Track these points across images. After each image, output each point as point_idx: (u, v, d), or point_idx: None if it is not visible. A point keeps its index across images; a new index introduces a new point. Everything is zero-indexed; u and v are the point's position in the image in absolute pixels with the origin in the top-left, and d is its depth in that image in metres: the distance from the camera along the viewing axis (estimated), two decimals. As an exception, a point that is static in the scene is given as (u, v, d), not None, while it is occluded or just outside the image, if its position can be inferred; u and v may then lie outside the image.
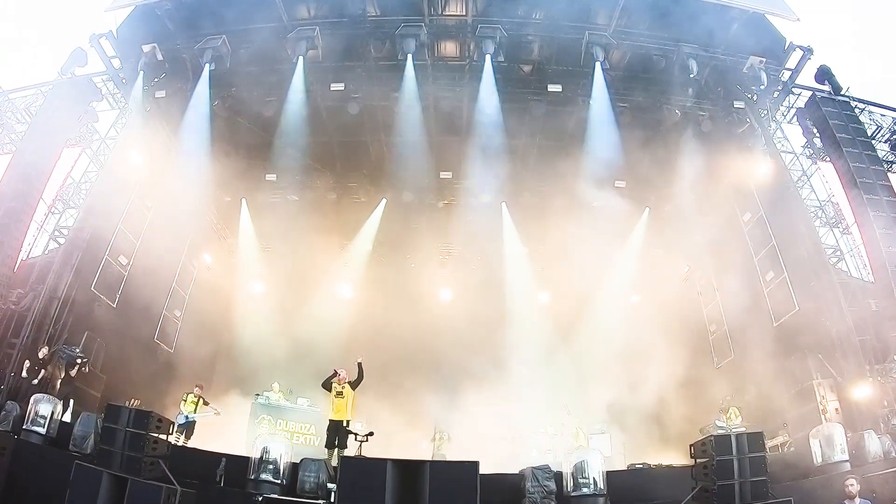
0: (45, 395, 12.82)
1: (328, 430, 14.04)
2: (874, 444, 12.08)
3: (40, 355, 15.17)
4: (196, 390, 17.23)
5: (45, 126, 18.14)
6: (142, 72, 19.33)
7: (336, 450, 13.68)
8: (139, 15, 19.17)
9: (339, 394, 14.10)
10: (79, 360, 15.88)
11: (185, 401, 16.94)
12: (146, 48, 19.12)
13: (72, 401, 14.95)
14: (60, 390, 14.95)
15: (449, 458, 16.63)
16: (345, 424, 13.86)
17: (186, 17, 19.08)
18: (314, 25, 19.08)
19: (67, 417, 13.62)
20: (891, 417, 13.88)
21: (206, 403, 17.24)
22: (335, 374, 14.44)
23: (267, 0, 18.47)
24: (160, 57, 19.40)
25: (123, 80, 19.93)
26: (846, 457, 11.80)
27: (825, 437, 12.14)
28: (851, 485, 9.46)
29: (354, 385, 14.21)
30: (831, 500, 9.82)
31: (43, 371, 15.03)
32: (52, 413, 12.40)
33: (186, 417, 16.51)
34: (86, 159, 19.76)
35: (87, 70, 19.77)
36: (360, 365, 14.32)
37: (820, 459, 12.05)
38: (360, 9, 19.11)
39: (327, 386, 14.37)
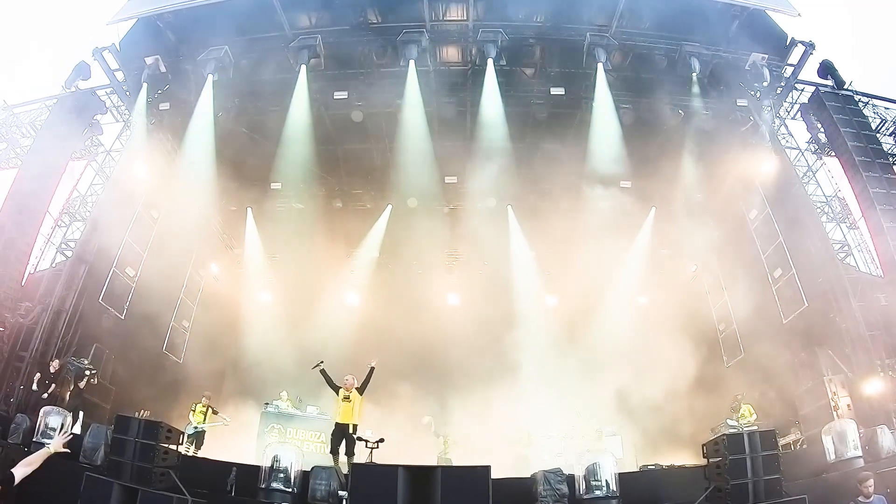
0: (55, 408, 12.84)
1: (332, 434, 13.85)
2: (887, 440, 11.97)
3: (51, 369, 15.20)
4: (204, 400, 17.25)
5: (50, 140, 18.18)
6: (145, 84, 19.46)
7: (340, 455, 13.55)
8: (141, 27, 19.30)
9: (346, 398, 13.92)
10: (87, 373, 15.92)
11: (194, 411, 16.97)
12: (149, 60, 19.21)
13: (81, 413, 14.98)
14: (69, 403, 14.96)
15: (455, 463, 16.67)
16: (351, 430, 13.68)
17: (188, 29, 19.18)
18: (316, 34, 19.15)
19: (77, 429, 13.64)
20: (903, 412, 13.80)
21: (215, 412, 17.26)
22: (318, 364, 14.32)
23: (268, 10, 18.52)
24: (163, 69, 19.49)
25: (127, 93, 20.03)
26: (859, 453, 11.75)
27: (838, 434, 12.08)
28: (869, 486, 9.28)
29: (361, 389, 14.06)
30: (845, 497, 9.71)
31: (53, 385, 15.05)
32: (62, 425, 12.38)
33: (195, 428, 16.52)
34: (91, 172, 19.87)
35: (90, 83, 19.88)
36: (371, 369, 14.17)
37: (833, 456, 11.99)
38: (362, 16, 19.18)
39: (329, 382, 14.24)
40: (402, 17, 18.95)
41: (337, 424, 13.83)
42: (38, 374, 14.97)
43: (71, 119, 18.75)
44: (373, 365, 14.16)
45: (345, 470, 12.42)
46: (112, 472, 10.30)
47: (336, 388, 14.04)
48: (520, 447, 18.83)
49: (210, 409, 17.14)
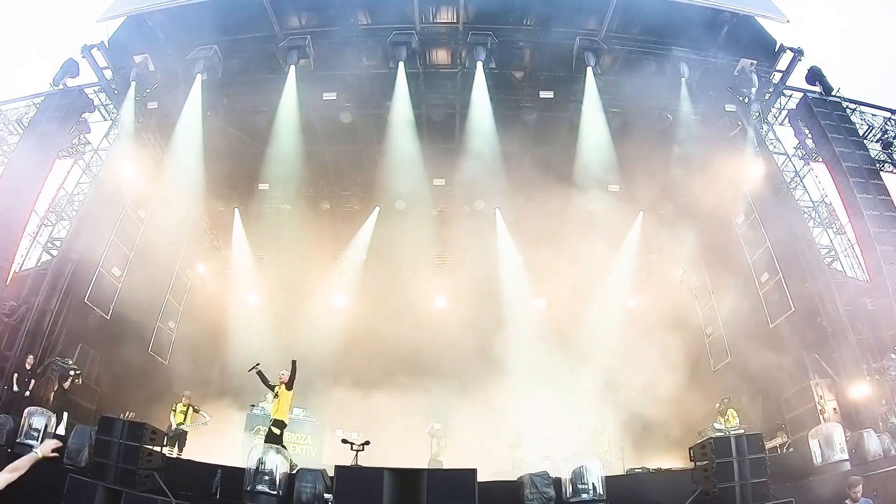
0: (39, 409, 12.70)
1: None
2: (874, 443, 12.08)
3: (27, 365, 15.06)
4: (184, 399, 17.05)
5: (37, 138, 18.04)
6: (134, 82, 19.32)
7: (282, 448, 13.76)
8: (131, 25, 19.20)
9: (276, 395, 14.19)
10: (71, 373, 15.74)
11: (175, 411, 16.77)
12: (138, 58, 19.10)
13: (66, 414, 14.82)
14: (53, 403, 14.84)
15: (446, 464, 16.65)
16: (273, 424, 13.99)
17: (178, 28, 19.03)
18: (305, 35, 19.10)
19: (61, 430, 13.53)
20: (889, 416, 13.88)
21: (196, 411, 17.09)
22: (254, 366, 14.39)
23: (258, 10, 18.47)
24: (152, 67, 19.38)
25: (115, 91, 19.91)
26: (846, 456, 11.80)
27: (824, 437, 12.13)
28: (858, 491, 9.30)
29: (289, 386, 14.14)
30: (833, 500, 9.78)
31: (33, 382, 14.92)
32: (46, 426, 12.29)
33: (174, 430, 16.32)
34: (78, 171, 19.68)
35: (78, 81, 19.74)
36: (293, 363, 14.24)
37: (820, 459, 12.04)
38: (352, 17, 19.17)
39: (265, 383, 14.39)
40: (391, 19, 18.89)
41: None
42: (16, 375, 14.83)
43: (58, 117, 18.60)
44: (294, 360, 14.31)
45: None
46: (96, 474, 10.19)
47: (272, 387, 14.30)
48: (509, 450, 18.85)
49: (191, 408, 16.97)
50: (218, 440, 17.84)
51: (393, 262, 26.24)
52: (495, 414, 20.88)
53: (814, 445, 12.26)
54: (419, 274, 26.52)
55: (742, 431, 14.59)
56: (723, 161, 20.16)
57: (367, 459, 12.59)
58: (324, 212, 24.61)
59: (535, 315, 25.05)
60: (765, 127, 20.31)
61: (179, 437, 16.30)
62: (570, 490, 11.28)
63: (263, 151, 20.80)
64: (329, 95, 20.23)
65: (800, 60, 19.21)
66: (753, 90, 19.58)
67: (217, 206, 24.16)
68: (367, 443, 12.72)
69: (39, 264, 17.92)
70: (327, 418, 20.71)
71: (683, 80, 19.33)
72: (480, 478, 10.31)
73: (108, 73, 19.81)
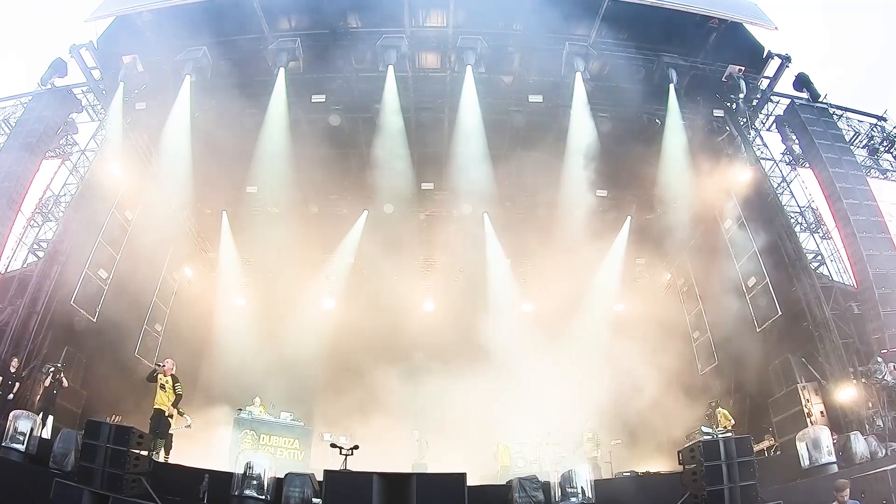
0: (24, 412, 12.51)
1: (151, 419, 14.17)
2: (861, 446, 12.21)
3: (12, 369, 14.88)
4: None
5: (24, 138, 17.88)
6: (122, 83, 19.19)
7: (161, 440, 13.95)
8: (119, 26, 19.04)
9: (162, 387, 14.33)
10: (52, 369, 15.44)
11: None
12: (126, 59, 18.98)
13: (51, 417, 14.64)
14: (38, 405, 14.65)
15: (430, 466, 16.66)
16: (167, 415, 14.23)
17: (167, 28, 18.83)
18: (295, 37, 19.05)
19: (46, 433, 13.35)
20: (876, 418, 14.01)
21: (180, 413, 16.81)
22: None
23: (248, 11, 18.38)
24: (141, 68, 19.27)
25: (104, 92, 19.76)
26: (833, 459, 11.91)
27: (812, 440, 12.20)
28: (846, 494, 9.34)
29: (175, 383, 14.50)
30: (821, 503, 9.82)
31: (17, 385, 14.74)
32: (32, 430, 12.13)
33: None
34: (65, 171, 19.46)
35: (67, 81, 19.61)
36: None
37: (807, 462, 12.11)
38: (341, 20, 19.13)
39: (151, 379, 14.40)
40: (381, 22, 18.89)
41: (155, 410, 14.32)
42: (-1, 378, 14.70)
43: (46, 117, 18.45)
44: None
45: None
46: (82, 479, 10.06)
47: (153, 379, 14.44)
48: (493, 460, 18.88)
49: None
50: (205, 445, 17.70)
51: (381, 265, 26.13)
52: (482, 417, 20.86)
53: (801, 448, 12.32)
54: (407, 277, 26.48)
55: (730, 434, 14.69)
56: (710, 166, 20.33)
57: (356, 463, 12.52)
58: (312, 215, 24.57)
59: (522, 318, 25.09)
60: (752, 132, 20.42)
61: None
62: (559, 494, 11.27)
63: (251, 154, 20.69)
64: (318, 98, 20.25)
65: (787, 67, 19.38)
66: (741, 96, 19.80)
67: (205, 208, 24.09)
68: (357, 447, 12.63)
69: (25, 266, 17.69)
70: (315, 422, 20.63)
71: (672, 85, 19.43)
72: (468, 482, 10.29)
73: (96, 74, 19.68)
